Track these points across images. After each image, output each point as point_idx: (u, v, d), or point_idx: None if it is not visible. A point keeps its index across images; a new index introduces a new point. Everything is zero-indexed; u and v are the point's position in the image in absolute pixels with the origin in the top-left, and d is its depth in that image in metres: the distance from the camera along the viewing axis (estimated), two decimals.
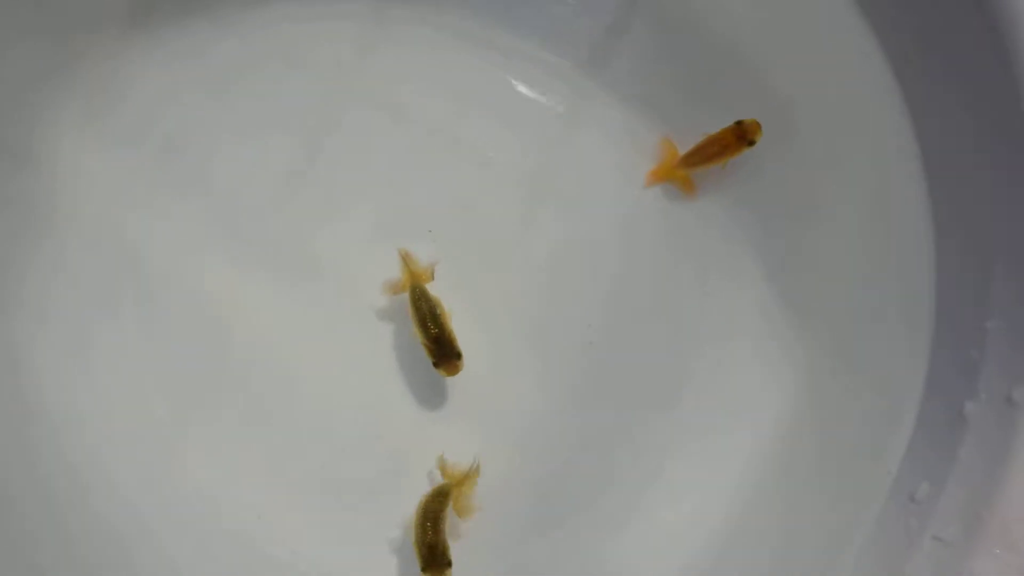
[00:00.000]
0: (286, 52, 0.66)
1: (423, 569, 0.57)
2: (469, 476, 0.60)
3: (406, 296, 0.62)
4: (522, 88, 0.67)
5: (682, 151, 0.64)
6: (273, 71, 0.66)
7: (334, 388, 0.64)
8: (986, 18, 0.51)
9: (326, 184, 0.66)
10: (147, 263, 0.63)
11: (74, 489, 0.59)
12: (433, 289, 0.62)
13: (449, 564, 0.57)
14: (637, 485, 0.62)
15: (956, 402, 0.52)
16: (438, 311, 0.61)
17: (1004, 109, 0.52)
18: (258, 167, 0.65)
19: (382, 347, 0.64)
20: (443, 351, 0.60)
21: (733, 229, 0.65)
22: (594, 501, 0.62)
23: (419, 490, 0.61)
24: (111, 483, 0.59)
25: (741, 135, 0.62)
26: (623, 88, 0.66)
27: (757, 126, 0.61)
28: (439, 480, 0.61)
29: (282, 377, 0.63)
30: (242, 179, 0.65)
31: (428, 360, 0.61)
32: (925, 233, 0.56)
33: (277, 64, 0.66)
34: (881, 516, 0.54)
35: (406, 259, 0.63)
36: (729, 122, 0.62)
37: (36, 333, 0.61)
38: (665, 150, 0.65)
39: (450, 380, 0.62)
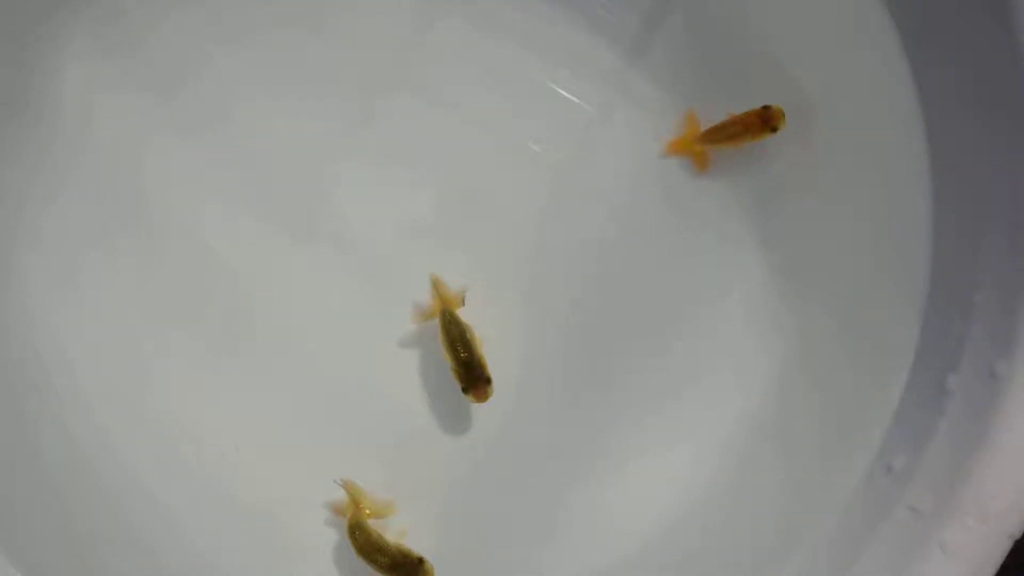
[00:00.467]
0: (315, 17, 0.65)
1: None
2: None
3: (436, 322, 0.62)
4: (555, 73, 0.66)
5: (704, 128, 0.64)
6: (300, 33, 0.65)
7: (329, 337, 0.64)
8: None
9: (344, 146, 0.65)
10: (148, 203, 0.63)
11: (48, 410, 0.59)
12: (463, 314, 0.62)
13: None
14: (620, 443, 0.62)
15: (940, 374, 0.52)
16: (468, 335, 0.60)
17: (1007, 82, 0.51)
18: (273, 119, 0.65)
19: (378, 298, 0.64)
20: (472, 376, 0.59)
21: (731, 197, 0.64)
22: (576, 455, 0.62)
23: (405, 431, 0.62)
24: (89, 409, 0.60)
25: (766, 119, 0.61)
26: (656, 77, 0.65)
27: (782, 114, 0.61)
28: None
29: (276, 323, 0.64)
30: (256, 130, 0.65)
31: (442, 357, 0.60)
32: (924, 203, 0.55)
33: (303, 28, 0.65)
34: (858, 486, 0.53)
35: (437, 285, 0.62)
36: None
37: (30, 263, 0.61)
38: (688, 123, 0.64)
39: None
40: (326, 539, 0.61)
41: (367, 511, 0.59)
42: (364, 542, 0.58)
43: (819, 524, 0.54)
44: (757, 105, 0.61)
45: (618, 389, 0.64)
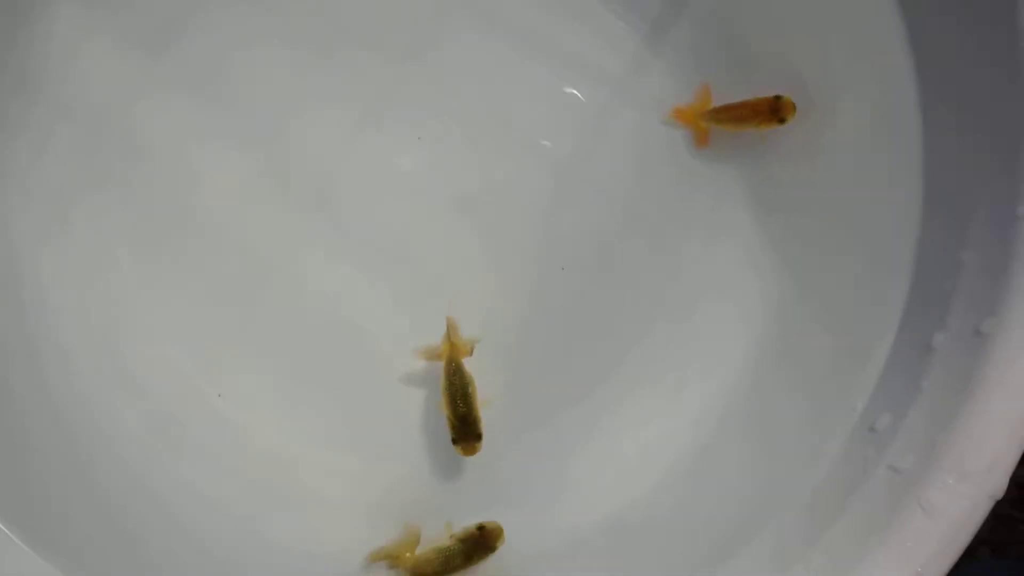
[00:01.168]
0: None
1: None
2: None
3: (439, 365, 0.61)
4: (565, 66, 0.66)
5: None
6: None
7: (320, 292, 0.64)
8: None
9: (341, 107, 0.65)
10: (141, 148, 0.63)
11: (25, 352, 0.59)
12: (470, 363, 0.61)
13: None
14: (602, 407, 0.63)
15: (926, 334, 0.51)
16: (470, 390, 0.60)
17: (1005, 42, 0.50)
18: (272, 71, 0.65)
19: (370, 258, 0.65)
20: (466, 431, 0.59)
21: (726, 184, 0.64)
22: (555, 419, 0.63)
23: (390, 387, 0.62)
24: (66, 360, 0.60)
25: (776, 108, 0.60)
26: (676, 59, 0.65)
27: (792, 106, 0.60)
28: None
29: (263, 268, 0.64)
30: (254, 82, 0.64)
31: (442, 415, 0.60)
32: (915, 164, 0.55)
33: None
34: (841, 445, 0.53)
35: (450, 329, 0.62)
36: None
37: (19, 204, 0.61)
38: (700, 95, 0.64)
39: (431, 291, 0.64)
40: (321, 488, 0.62)
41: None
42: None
43: (802, 483, 0.54)
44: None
45: (603, 352, 0.64)
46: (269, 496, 0.60)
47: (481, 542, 0.58)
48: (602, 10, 0.65)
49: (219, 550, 0.58)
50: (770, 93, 0.61)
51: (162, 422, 0.61)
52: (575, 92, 0.66)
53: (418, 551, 0.58)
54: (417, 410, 0.63)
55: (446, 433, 0.60)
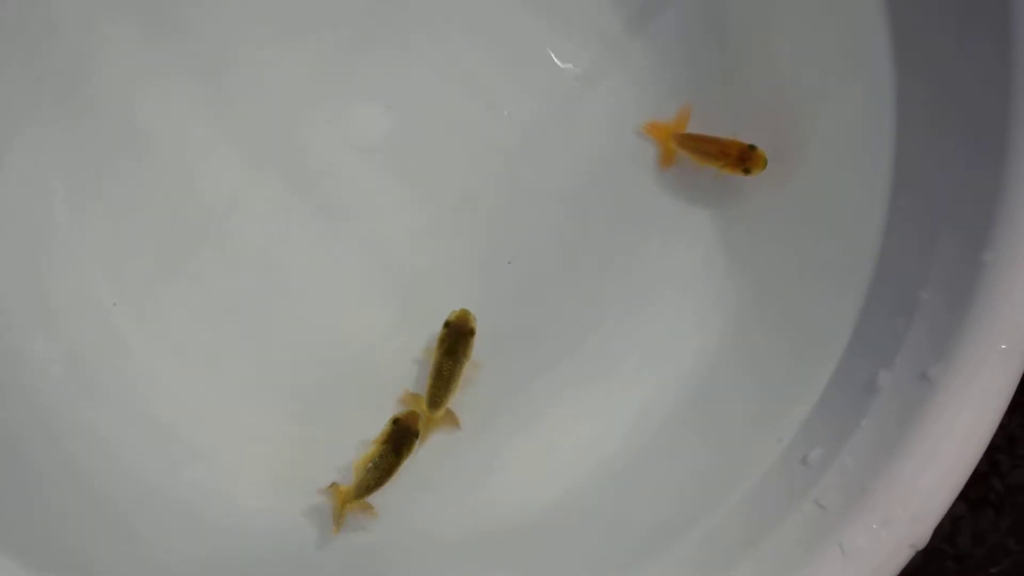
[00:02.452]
0: None
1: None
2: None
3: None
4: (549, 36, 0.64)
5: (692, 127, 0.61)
6: None
7: (260, 240, 0.62)
8: None
9: (331, 94, 0.64)
10: (85, 80, 0.61)
11: None
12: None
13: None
14: (543, 399, 0.61)
15: (872, 370, 0.49)
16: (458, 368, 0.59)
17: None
18: (275, 63, 0.63)
19: (351, 251, 0.63)
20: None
21: (691, 185, 0.62)
22: (492, 409, 0.60)
23: (353, 410, 0.60)
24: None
25: (744, 158, 0.58)
26: (652, 49, 0.63)
27: (763, 161, 0.57)
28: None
29: (234, 243, 0.62)
30: (257, 76, 0.63)
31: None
32: (881, 190, 0.53)
33: None
34: (770, 471, 0.51)
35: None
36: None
37: None
38: (679, 116, 0.61)
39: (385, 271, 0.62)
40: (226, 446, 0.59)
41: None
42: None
43: (726, 503, 0.52)
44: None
45: (550, 343, 0.62)
46: (175, 449, 0.58)
47: (403, 430, 0.57)
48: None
49: (117, 503, 0.55)
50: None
51: (74, 360, 0.58)
52: (548, 77, 0.64)
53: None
54: (349, 380, 0.61)
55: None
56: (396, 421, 0.57)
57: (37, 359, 0.57)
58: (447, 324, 0.59)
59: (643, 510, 0.56)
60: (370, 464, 0.56)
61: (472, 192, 0.64)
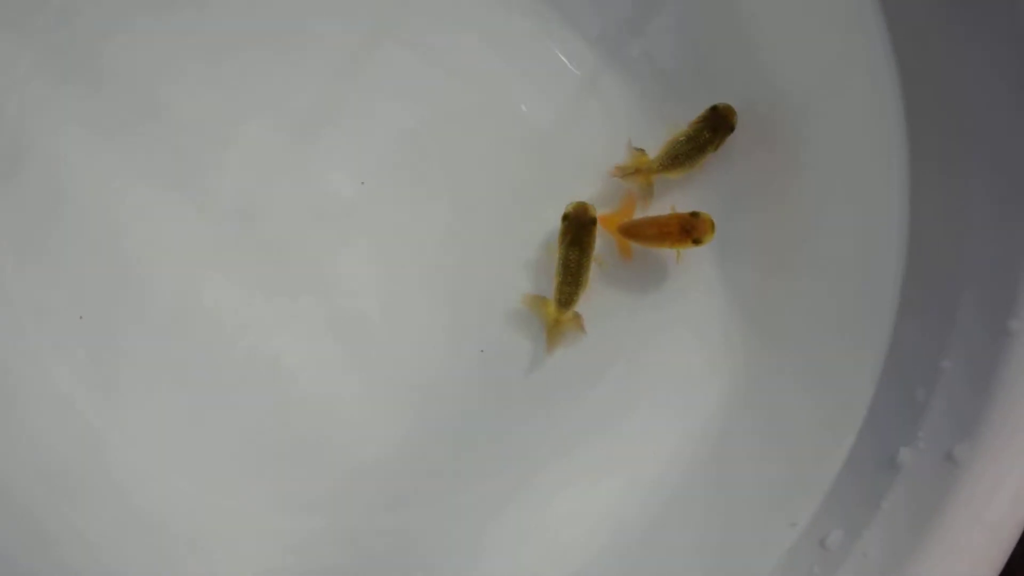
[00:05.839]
0: None
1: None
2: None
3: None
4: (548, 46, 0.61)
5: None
6: None
7: (229, 309, 0.60)
8: None
9: (297, 118, 0.61)
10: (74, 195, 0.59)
11: None
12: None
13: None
14: (548, 469, 0.57)
15: (891, 445, 0.46)
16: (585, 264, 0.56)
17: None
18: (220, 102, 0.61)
19: (303, 298, 0.60)
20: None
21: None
22: (488, 477, 0.58)
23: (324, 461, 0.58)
24: None
25: (689, 228, 0.55)
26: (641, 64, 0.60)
27: (710, 226, 0.54)
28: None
29: (197, 325, 0.60)
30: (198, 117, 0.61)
31: None
32: (898, 249, 0.50)
33: None
34: (787, 556, 0.48)
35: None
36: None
37: None
38: (623, 205, 0.58)
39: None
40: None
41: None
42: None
43: None
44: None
45: (554, 408, 0.58)
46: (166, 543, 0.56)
47: (721, 118, 0.56)
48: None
49: None
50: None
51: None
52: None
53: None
54: (340, 465, 0.58)
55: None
56: (566, 217, 0.56)
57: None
58: (566, 217, 0.56)
59: None
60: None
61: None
